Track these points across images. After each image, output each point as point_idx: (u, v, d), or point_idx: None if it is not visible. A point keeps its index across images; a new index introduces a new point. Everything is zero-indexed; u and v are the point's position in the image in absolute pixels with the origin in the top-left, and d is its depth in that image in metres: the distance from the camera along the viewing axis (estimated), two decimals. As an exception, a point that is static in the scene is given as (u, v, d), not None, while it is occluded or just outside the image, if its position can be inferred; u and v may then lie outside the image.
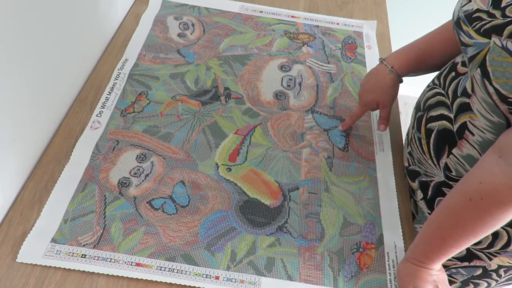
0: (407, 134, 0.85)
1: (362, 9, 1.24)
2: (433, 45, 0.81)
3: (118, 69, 0.96)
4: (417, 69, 0.83)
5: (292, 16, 1.18)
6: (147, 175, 0.79)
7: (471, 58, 0.62)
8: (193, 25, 1.11)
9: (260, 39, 1.10)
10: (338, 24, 1.17)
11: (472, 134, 0.65)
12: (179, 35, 1.08)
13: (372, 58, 1.09)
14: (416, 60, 0.82)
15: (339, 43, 1.11)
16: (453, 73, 0.70)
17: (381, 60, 0.85)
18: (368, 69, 1.05)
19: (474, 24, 0.61)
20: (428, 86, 0.79)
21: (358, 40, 1.13)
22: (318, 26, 1.16)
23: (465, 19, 0.63)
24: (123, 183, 0.77)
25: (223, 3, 1.19)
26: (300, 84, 1.00)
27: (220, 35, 1.09)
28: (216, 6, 1.17)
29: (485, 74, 0.58)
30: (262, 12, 1.18)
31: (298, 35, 1.12)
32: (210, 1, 1.18)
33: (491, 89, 0.58)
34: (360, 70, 1.05)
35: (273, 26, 1.14)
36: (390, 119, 0.94)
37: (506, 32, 0.56)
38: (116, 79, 0.94)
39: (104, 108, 0.89)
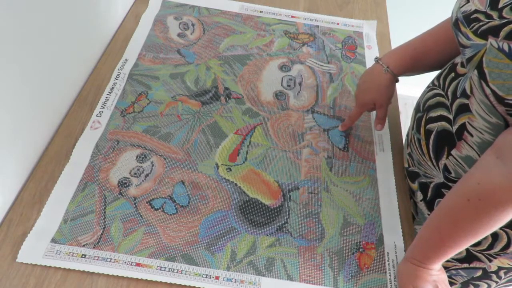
0: (407, 135, 0.85)
1: (362, 9, 1.24)
2: (428, 45, 0.81)
3: (118, 69, 0.96)
4: (412, 69, 0.83)
5: (292, 16, 1.18)
6: (147, 175, 0.79)
7: (469, 60, 0.62)
8: (193, 25, 1.11)
9: (260, 39, 1.10)
10: (338, 24, 1.17)
11: (471, 135, 0.65)
12: (179, 35, 1.08)
13: (372, 58, 1.08)
14: (412, 59, 0.82)
15: (339, 43, 1.11)
16: (452, 74, 0.70)
17: (377, 60, 0.85)
18: (368, 69, 1.05)
19: (472, 25, 0.61)
20: (428, 87, 0.78)
21: (358, 40, 1.13)
22: (318, 26, 1.16)
23: (463, 20, 0.63)
24: (123, 183, 0.77)
25: (223, 3, 1.19)
26: (300, 84, 1.00)
27: (220, 35, 1.09)
28: (216, 6, 1.17)
29: (482, 76, 0.58)
30: (262, 12, 1.18)
31: (298, 35, 1.12)
32: (210, 1, 1.18)
33: (488, 91, 0.58)
34: (360, 70, 1.05)
35: (273, 26, 1.14)
36: (390, 119, 0.94)
37: (502, 34, 0.56)
38: (116, 79, 0.94)
39: (104, 108, 0.89)
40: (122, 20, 1.10)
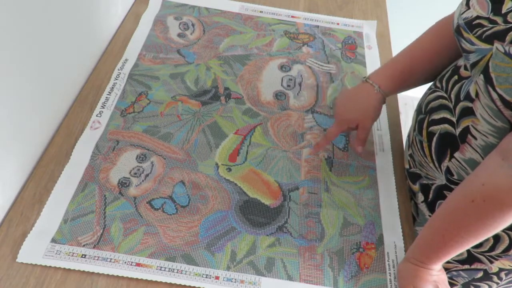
0: (408, 136, 0.84)
1: (362, 9, 1.24)
2: (417, 61, 0.79)
3: (118, 69, 0.96)
4: (402, 87, 0.81)
5: (292, 16, 1.18)
6: (147, 175, 0.79)
7: (474, 64, 0.61)
8: (193, 25, 1.11)
9: (260, 39, 1.10)
10: (338, 24, 1.17)
11: (475, 138, 0.64)
12: (179, 35, 1.08)
13: (372, 58, 1.08)
14: (402, 77, 0.79)
15: (339, 43, 1.11)
16: (455, 77, 0.69)
17: (365, 79, 0.81)
18: (368, 69, 1.05)
19: (475, 30, 0.61)
20: (429, 88, 0.78)
21: (358, 40, 1.13)
22: (318, 26, 1.16)
23: (465, 26, 0.63)
24: (123, 183, 0.77)
25: (223, 3, 1.19)
26: (300, 84, 1.00)
27: (220, 35, 1.09)
28: (216, 6, 1.17)
29: (488, 80, 0.58)
30: (262, 12, 1.18)
31: (298, 35, 1.12)
32: (210, 1, 1.18)
33: (494, 95, 0.58)
34: (360, 70, 1.05)
35: (273, 26, 1.14)
36: (390, 119, 0.94)
37: (508, 38, 0.56)
38: (116, 79, 0.94)
39: (104, 108, 0.89)
40: (122, 20, 1.10)
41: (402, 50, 0.82)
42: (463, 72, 0.68)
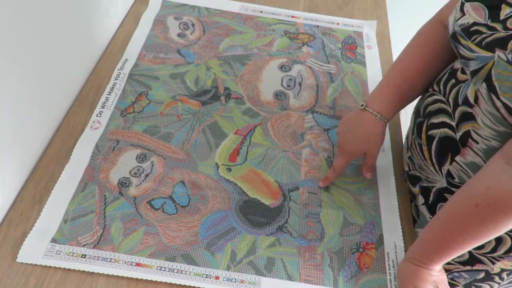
0: (407, 138, 0.84)
1: (362, 9, 1.24)
2: (412, 80, 0.77)
3: (118, 69, 0.96)
4: (402, 106, 0.80)
5: (292, 16, 1.18)
6: (147, 175, 0.79)
7: (475, 72, 0.60)
8: (193, 25, 1.11)
9: (260, 39, 1.10)
10: (338, 24, 1.17)
11: (476, 142, 0.63)
12: (179, 35, 1.08)
13: (372, 58, 1.08)
14: (400, 99, 0.78)
15: (339, 43, 1.11)
16: (453, 80, 0.68)
17: (364, 107, 0.77)
18: (369, 69, 1.05)
19: (473, 37, 0.60)
20: (427, 91, 0.77)
21: (358, 40, 1.13)
22: (318, 26, 1.16)
23: (462, 33, 0.62)
24: (123, 183, 0.77)
25: (223, 3, 1.19)
26: (300, 84, 1.00)
27: (220, 35, 1.09)
28: (216, 6, 1.17)
29: (491, 89, 0.57)
30: (262, 12, 1.18)
31: (298, 35, 1.12)
32: (210, 1, 1.18)
33: (498, 104, 0.57)
34: (360, 70, 1.05)
35: (273, 26, 1.14)
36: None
37: (510, 46, 0.55)
38: (116, 79, 0.94)
39: (104, 108, 0.89)
40: (122, 20, 1.10)
41: (392, 68, 0.79)
42: (460, 75, 0.67)
